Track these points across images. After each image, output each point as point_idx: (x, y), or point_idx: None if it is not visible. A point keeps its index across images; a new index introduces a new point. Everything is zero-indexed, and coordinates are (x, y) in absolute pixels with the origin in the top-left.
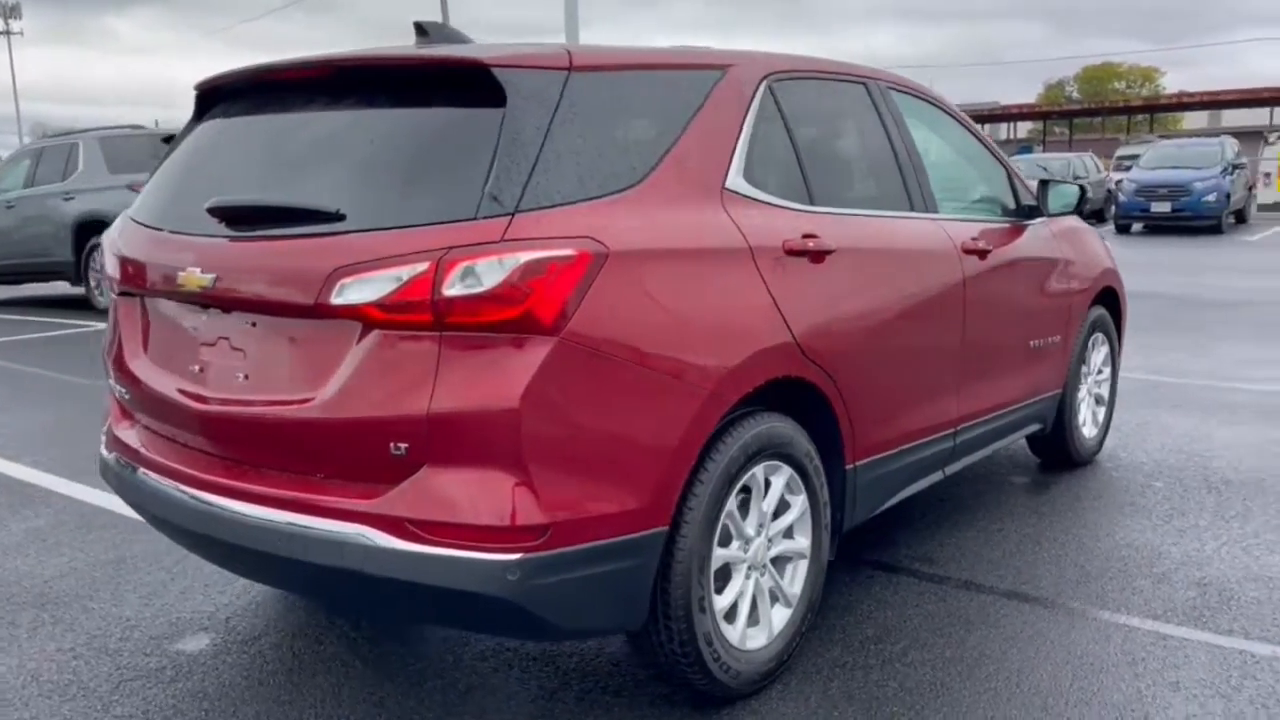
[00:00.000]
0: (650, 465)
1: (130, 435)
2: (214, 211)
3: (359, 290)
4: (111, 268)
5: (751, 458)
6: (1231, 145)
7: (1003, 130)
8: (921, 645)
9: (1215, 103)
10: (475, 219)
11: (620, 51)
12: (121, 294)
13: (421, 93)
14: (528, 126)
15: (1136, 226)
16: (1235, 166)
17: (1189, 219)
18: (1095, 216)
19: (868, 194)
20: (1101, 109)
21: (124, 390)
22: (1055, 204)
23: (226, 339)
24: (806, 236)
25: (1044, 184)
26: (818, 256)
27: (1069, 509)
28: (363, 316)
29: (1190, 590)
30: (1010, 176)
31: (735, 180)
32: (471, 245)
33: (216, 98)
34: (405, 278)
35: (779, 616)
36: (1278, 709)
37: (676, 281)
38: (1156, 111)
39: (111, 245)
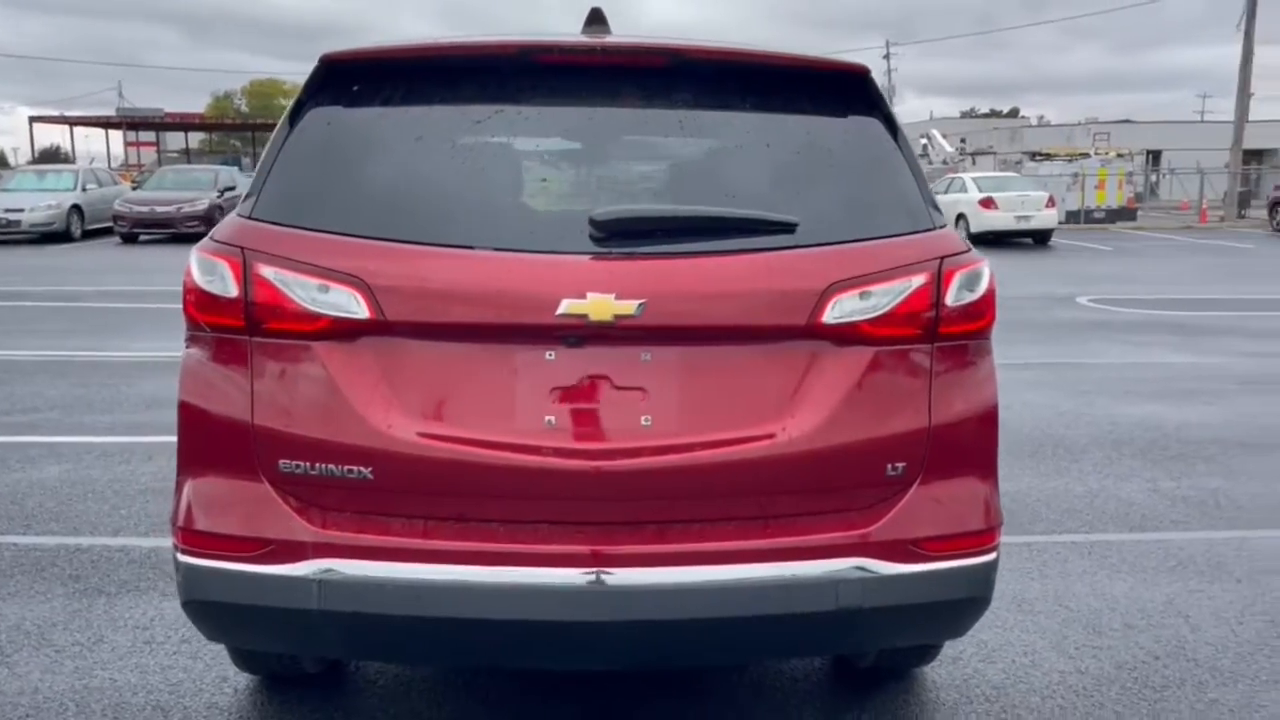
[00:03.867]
0: None
1: (377, 529)
2: (610, 223)
3: (851, 306)
4: (323, 303)
5: None
6: None
7: (172, 140)
8: None
9: None
10: (933, 229)
11: None
12: (317, 337)
13: (787, 94)
14: (899, 134)
15: None
16: None
17: None
18: None
19: None
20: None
21: (352, 470)
22: None
23: (605, 378)
24: None
25: None
26: None
27: None
28: (854, 334)
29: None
30: None
31: None
32: (955, 255)
33: (409, 75)
34: (904, 291)
35: None
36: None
37: None
38: None
39: (333, 277)
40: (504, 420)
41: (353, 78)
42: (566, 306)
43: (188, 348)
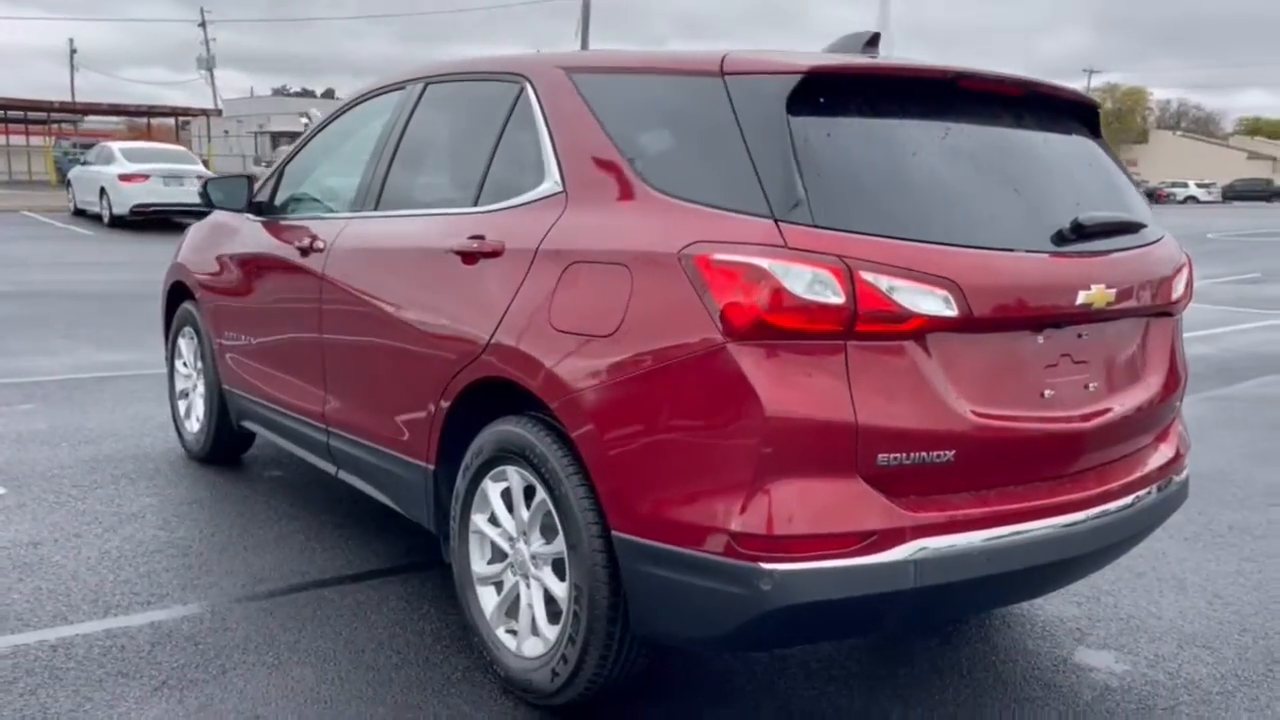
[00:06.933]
0: None
1: (951, 505)
2: (1091, 227)
3: (1176, 287)
4: (919, 305)
5: None
6: None
7: None
8: None
9: None
10: (1165, 236)
11: None
12: (908, 336)
13: (1076, 120)
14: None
15: None
16: None
17: None
18: None
19: None
20: None
21: (940, 455)
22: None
23: (1068, 355)
24: None
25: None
26: None
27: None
28: (1171, 308)
29: None
30: None
31: None
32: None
33: (869, 90)
34: (1183, 274)
35: None
36: None
37: None
38: None
39: (903, 280)
40: (1020, 396)
41: (821, 89)
42: (1083, 297)
43: (746, 353)
